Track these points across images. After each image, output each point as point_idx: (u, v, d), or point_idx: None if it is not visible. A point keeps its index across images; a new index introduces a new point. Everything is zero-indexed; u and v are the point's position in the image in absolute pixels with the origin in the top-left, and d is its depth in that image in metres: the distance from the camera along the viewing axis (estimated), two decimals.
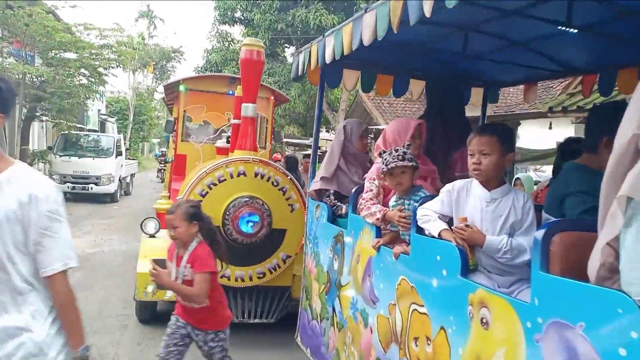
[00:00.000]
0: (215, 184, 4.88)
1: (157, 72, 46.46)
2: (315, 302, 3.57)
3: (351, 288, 2.96)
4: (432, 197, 2.41)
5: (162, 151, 24.60)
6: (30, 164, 15.92)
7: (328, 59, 3.16)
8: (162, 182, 18.53)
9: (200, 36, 75.93)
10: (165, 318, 5.58)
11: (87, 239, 10.14)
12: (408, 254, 2.43)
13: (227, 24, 18.76)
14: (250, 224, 4.73)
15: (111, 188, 16.24)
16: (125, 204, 16.44)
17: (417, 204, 2.40)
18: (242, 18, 18.54)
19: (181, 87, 7.60)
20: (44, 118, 16.53)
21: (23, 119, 14.86)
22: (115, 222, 12.55)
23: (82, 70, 14.95)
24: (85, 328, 4.88)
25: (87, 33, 15.13)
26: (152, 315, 5.26)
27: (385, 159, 2.69)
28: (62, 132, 16.80)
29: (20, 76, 13.86)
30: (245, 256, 4.91)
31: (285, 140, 23.98)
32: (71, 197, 16.28)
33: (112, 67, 15.83)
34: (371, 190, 2.90)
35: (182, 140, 7.69)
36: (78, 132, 18.05)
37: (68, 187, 15.75)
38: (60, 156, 15.96)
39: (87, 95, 15.79)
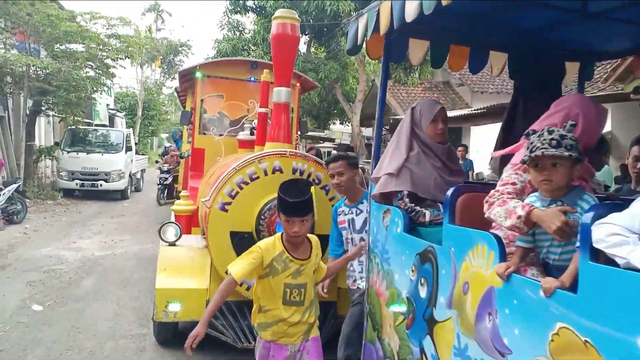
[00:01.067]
0: (246, 183, 4.10)
1: (165, 67, 45.85)
2: (388, 335, 2.77)
3: (454, 327, 2.17)
4: (612, 206, 1.61)
5: (166, 147, 22.00)
6: (37, 161, 15.36)
7: (410, 17, 2.35)
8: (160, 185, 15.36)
9: (207, 29, 75.21)
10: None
11: (96, 240, 9.42)
12: (568, 288, 1.64)
13: (239, 13, 17.90)
14: None
15: (121, 184, 15.57)
16: (136, 202, 15.74)
17: (588, 215, 1.60)
18: (254, 6, 17.71)
19: (198, 74, 6.82)
20: (50, 112, 15.82)
21: (28, 114, 14.15)
22: (126, 221, 11.83)
23: (89, 62, 14.17)
24: (96, 352, 4.04)
25: (93, 22, 14.36)
26: (172, 336, 4.50)
27: (531, 143, 1.89)
28: (70, 127, 16.11)
29: (24, 68, 13.14)
30: None
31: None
32: (80, 195, 15.62)
33: (121, 59, 15.05)
34: (513, 183, 2.07)
35: (199, 133, 6.91)
36: (86, 127, 17.36)
37: (76, 184, 15.10)
38: (68, 152, 15.32)
39: (94, 88, 15.04)
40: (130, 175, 16.57)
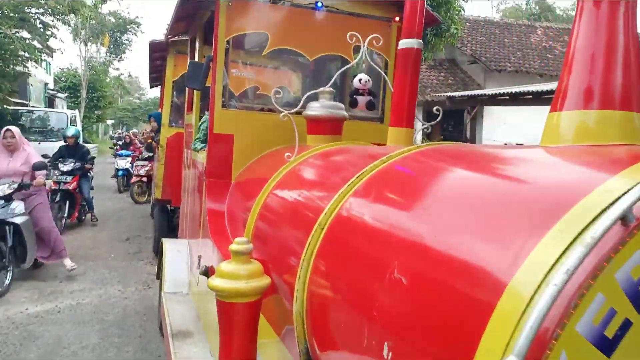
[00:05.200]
0: None
1: (111, 46, 41.34)
2: None
3: None
4: None
5: (117, 134, 19.19)
6: None
7: None
8: (121, 192, 13.50)
9: (161, 6, 69.48)
10: None
11: (28, 278, 5.98)
12: None
13: None
14: None
15: None
16: None
17: None
18: None
19: None
20: None
21: None
22: (76, 237, 8.31)
23: (17, 15, 10.39)
24: None
25: None
26: None
27: None
28: None
29: None
30: None
31: None
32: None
33: (62, 14, 11.32)
34: None
35: (223, 106, 3.62)
36: (18, 108, 13.54)
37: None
38: None
39: (28, 55, 11.28)
40: None
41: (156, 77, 9.34)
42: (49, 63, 26.61)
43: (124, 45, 42.20)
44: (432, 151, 1.90)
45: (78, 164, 8.76)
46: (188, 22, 4.65)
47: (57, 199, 8.38)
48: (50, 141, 12.13)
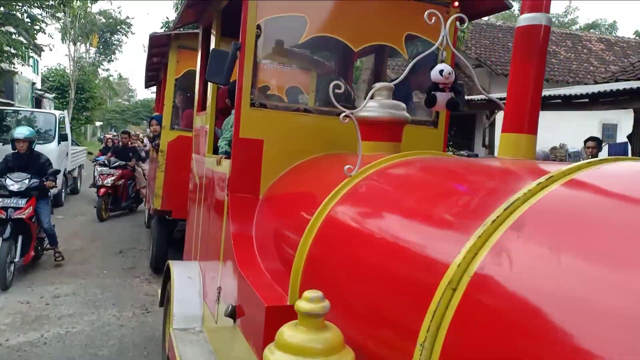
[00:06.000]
0: None
1: (101, 47, 40.43)
2: None
3: None
4: None
5: (106, 137, 16.75)
6: None
7: None
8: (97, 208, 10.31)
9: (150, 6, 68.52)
10: None
11: (12, 300, 5.26)
12: None
13: None
14: None
15: None
16: (73, 211, 11.25)
17: None
18: None
19: None
20: None
21: None
22: (64, 249, 7.55)
23: (6, 9, 9.64)
24: None
25: None
26: None
27: None
28: None
29: None
30: None
31: None
32: None
33: (52, 7, 10.58)
34: None
35: (252, 105, 2.94)
36: (3, 108, 12.77)
37: None
38: None
39: (15, 50, 10.52)
40: (65, 174, 12.15)
41: (152, 75, 8.63)
42: (37, 61, 25.75)
43: (113, 46, 41.31)
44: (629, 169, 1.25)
45: (35, 181, 6.14)
46: (201, 8, 3.97)
47: (5, 235, 5.71)
48: (38, 144, 11.28)
